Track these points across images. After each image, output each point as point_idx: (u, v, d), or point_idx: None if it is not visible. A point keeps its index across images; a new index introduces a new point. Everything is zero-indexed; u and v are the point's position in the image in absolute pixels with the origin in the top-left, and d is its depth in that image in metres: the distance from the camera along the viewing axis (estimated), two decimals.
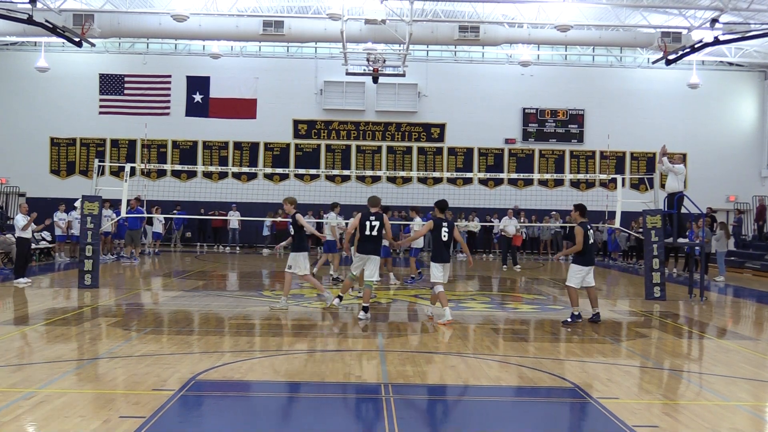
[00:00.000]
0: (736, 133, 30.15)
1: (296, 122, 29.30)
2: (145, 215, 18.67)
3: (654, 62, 26.62)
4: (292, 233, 11.87)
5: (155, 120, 28.53)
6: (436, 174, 27.03)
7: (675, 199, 14.48)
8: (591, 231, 11.04)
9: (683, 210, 14.67)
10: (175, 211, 26.04)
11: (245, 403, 6.59)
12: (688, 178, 24.19)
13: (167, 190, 26.17)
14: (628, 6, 22.36)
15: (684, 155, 25.28)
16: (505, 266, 21.62)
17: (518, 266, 21.83)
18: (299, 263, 11.69)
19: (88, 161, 28.08)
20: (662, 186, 15.94)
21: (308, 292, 14.37)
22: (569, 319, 10.98)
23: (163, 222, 25.77)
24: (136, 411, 5.88)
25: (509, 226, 22.08)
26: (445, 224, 10.90)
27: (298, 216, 11.81)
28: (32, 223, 15.62)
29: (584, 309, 11.30)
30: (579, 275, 11.01)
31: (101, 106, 29.00)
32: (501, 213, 26.95)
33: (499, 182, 28.99)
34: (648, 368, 8.25)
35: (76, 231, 20.25)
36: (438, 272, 10.78)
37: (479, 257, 26.88)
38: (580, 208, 11.30)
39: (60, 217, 21.35)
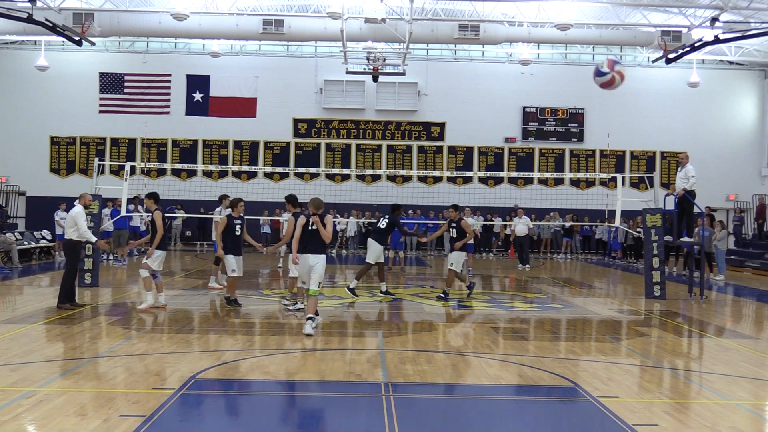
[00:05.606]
0: (736, 131, 30.13)
1: (296, 121, 29.29)
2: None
3: (654, 61, 26.60)
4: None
5: (155, 119, 28.53)
6: (436, 173, 26.99)
7: (676, 198, 14.61)
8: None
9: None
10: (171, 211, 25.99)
11: (245, 402, 6.60)
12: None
13: (167, 189, 26.10)
14: (628, 5, 22.35)
15: None
16: (520, 266, 21.52)
17: (528, 266, 21.68)
18: None
19: (88, 160, 28.08)
20: (662, 185, 15.97)
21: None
22: (469, 292, 13.78)
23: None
24: (136, 410, 5.89)
25: (520, 225, 22.08)
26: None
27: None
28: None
29: (585, 306, 11.24)
30: (462, 260, 13.45)
31: (101, 105, 28.99)
32: (501, 212, 27.04)
33: (499, 181, 28.98)
34: (648, 367, 8.25)
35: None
36: (156, 261, 11.48)
37: (479, 256, 26.88)
38: (456, 207, 13.67)
39: (60, 216, 21.31)
